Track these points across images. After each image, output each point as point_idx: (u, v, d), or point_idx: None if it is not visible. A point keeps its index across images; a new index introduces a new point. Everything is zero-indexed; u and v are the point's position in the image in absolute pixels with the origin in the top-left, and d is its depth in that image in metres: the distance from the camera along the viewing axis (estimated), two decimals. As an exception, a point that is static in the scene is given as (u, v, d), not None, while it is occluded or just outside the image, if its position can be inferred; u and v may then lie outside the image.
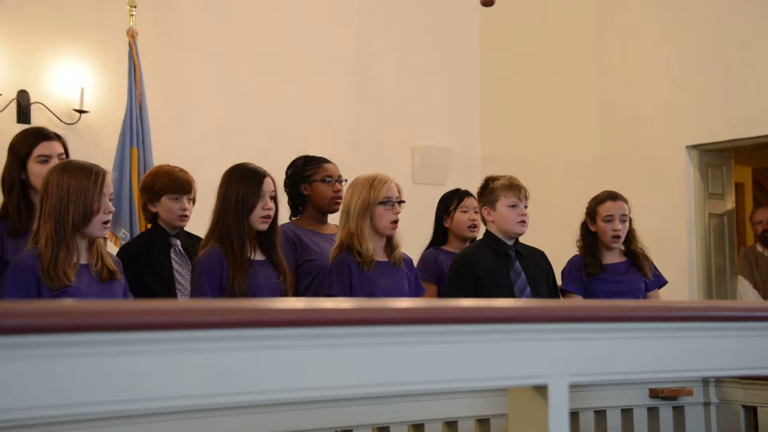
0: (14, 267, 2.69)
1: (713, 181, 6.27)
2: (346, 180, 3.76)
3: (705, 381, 3.07)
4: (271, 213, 3.11)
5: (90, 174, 2.72)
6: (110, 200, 2.77)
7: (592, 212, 3.90)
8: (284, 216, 3.53)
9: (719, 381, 3.09)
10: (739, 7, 6.01)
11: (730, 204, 6.35)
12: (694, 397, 3.05)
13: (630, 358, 1.69)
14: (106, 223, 2.75)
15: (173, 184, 3.44)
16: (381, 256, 3.36)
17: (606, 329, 1.64)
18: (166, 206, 3.44)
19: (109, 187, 2.78)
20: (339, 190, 3.74)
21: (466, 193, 4.10)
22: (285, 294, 3.17)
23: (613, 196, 3.91)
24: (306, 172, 3.79)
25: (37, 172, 3.07)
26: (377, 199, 3.31)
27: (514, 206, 3.56)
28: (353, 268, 3.25)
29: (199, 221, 3.34)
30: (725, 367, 2.00)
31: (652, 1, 6.49)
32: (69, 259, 2.68)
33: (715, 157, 6.27)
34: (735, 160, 6.50)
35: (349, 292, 3.21)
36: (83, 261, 2.76)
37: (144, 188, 3.52)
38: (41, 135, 3.17)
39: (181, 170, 3.53)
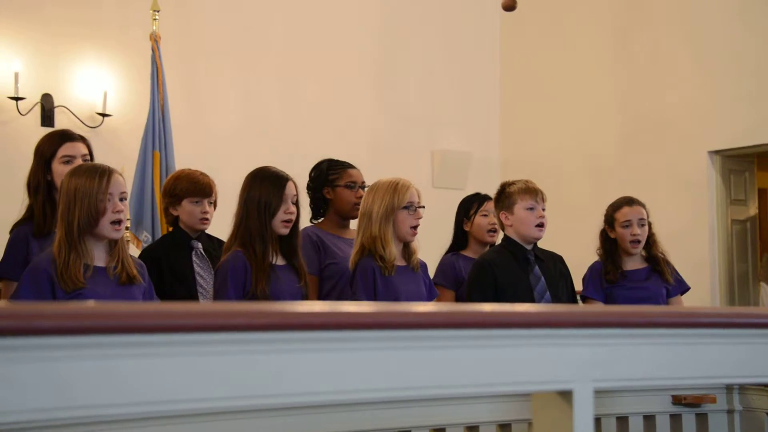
0: (29, 270, 2.69)
1: (736, 186, 6.22)
2: (368, 186, 3.76)
3: (729, 388, 3.05)
4: (293, 217, 3.11)
5: (95, 175, 2.69)
6: (122, 200, 2.72)
7: (610, 219, 3.89)
8: (305, 220, 3.53)
9: (743, 388, 3.05)
10: (763, 11, 5.97)
11: (753, 210, 6.30)
12: (717, 404, 3.01)
13: (654, 364, 1.68)
14: (115, 223, 2.70)
15: (194, 187, 3.47)
16: (400, 261, 3.36)
17: (631, 335, 1.63)
18: (187, 209, 3.46)
19: (118, 186, 2.72)
20: (361, 196, 3.73)
21: (487, 197, 4.06)
22: (306, 298, 3.17)
23: (629, 201, 3.89)
24: (330, 176, 3.78)
25: (61, 172, 3.10)
26: (401, 203, 3.31)
27: (531, 209, 3.54)
28: (377, 273, 3.26)
29: (220, 225, 3.35)
30: (749, 374, 1.98)
31: (675, 5, 6.45)
32: (79, 261, 2.66)
33: (738, 163, 6.23)
34: (758, 165, 6.45)
35: (374, 297, 3.21)
36: (100, 264, 2.73)
37: (165, 192, 3.55)
38: (65, 136, 3.24)
39: (203, 174, 3.55)
